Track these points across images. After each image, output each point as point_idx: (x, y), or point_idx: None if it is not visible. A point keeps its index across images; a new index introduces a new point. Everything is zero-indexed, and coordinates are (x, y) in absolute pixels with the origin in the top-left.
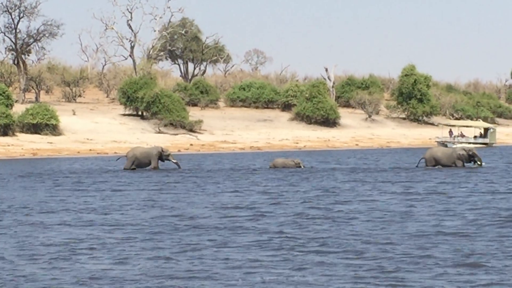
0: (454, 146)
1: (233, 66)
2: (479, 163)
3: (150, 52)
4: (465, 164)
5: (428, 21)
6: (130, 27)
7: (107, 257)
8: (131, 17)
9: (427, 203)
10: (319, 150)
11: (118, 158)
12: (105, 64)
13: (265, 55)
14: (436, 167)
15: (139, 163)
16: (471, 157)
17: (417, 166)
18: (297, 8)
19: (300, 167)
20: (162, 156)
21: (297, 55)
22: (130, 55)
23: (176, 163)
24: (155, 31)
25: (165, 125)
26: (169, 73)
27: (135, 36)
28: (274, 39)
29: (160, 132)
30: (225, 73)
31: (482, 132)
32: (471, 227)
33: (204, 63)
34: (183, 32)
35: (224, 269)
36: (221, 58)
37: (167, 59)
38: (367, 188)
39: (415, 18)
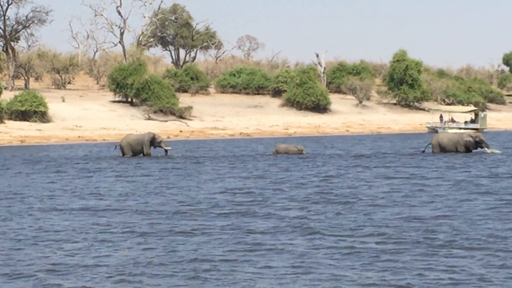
0: (445, 131)
1: (224, 52)
2: (486, 149)
3: (140, 39)
4: (473, 150)
5: (421, 6)
6: (119, 13)
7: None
8: (121, 3)
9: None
10: (310, 136)
11: (116, 146)
12: (96, 51)
13: (258, 41)
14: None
15: (133, 150)
16: (477, 144)
17: (423, 152)
18: None
19: (303, 153)
20: (154, 142)
21: (289, 41)
22: (120, 42)
23: (166, 150)
24: (145, 17)
25: (155, 112)
26: (161, 60)
27: (124, 23)
28: (267, 26)
29: (149, 118)
30: (216, 59)
31: (473, 117)
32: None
33: (195, 50)
34: (173, 18)
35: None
36: (212, 44)
37: (157, 46)
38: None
39: (407, 3)
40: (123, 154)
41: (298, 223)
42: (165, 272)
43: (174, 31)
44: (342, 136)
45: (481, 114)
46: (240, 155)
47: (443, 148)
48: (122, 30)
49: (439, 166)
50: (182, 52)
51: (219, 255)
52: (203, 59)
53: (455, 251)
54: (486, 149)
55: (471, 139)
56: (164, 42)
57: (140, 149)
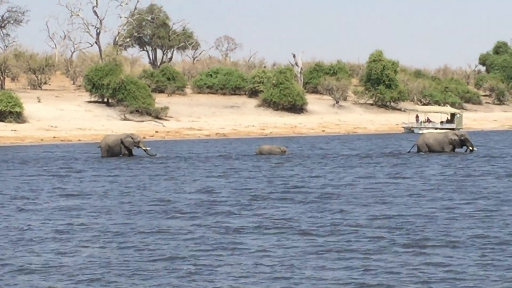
0: (421, 131)
1: (201, 52)
2: (470, 148)
3: (117, 39)
4: (456, 149)
5: (399, 7)
6: (95, 13)
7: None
8: (97, 3)
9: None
10: (286, 137)
11: (99, 146)
12: (74, 51)
13: (235, 42)
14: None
15: (112, 151)
16: (462, 142)
17: (409, 152)
18: None
19: (286, 153)
20: (134, 143)
21: (266, 42)
22: (96, 42)
23: (145, 150)
24: (121, 17)
25: (131, 112)
26: (138, 60)
27: (101, 23)
28: (244, 26)
29: (125, 119)
30: (194, 60)
31: (449, 117)
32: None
33: (172, 50)
34: (149, 18)
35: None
36: (190, 44)
37: (133, 46)
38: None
39: (385, 3)
40: (102, 155)
41: (277, 223)
42: (138, 272)
43: (151, 31)
44: (319, 136)
45: (457, 114)
46: (220, 156)
47: (429, 148)
48: (98, 30)
49: (425, 165)
50: (159, 53)
51: (196, 254)
52: (180, 60)
53: (427, 250)
54: (470, 148)
55: (456, 137)
56: (141, 43)
57: (118, 150)
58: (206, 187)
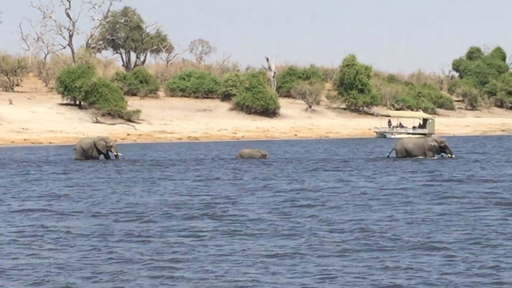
0: (393, 136)
1: (175, 55)
2: (449, 155)
3: (89, 41)
4: (435, 155)
5: (375, 12)
6: (68, 15)
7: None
8: (70, 5)
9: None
10: (257, 141)
11: (75, 148)
12: (48, 54)
13: (210, 45)
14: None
15: (85, 154)
16: (442, 149)
17: (388, 157)
18: None
19: (266, 157)
20: (105, 146)
21: (241, 46)
22: (68, 44)
23: (116, 155)
24: (94, 20)
25: (103, 115)
26: (113, 63)
27: (73, 25)
28: (219, 30)
29: (97, 121)
30: (167, 63)
31: (421, 123)
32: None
33: (146, 53)
34: (122, 21)
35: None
36: (163, 47)
37: (106, 49)
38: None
39: (361, 8)
40: (76, 158)
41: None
42: (97, 275)
43: (125, 34)
44: (290, 140)
45: (429, 120)
46: (198, 159)
47: (408, 153)
48: (71, 33)
49: (404, 170)
50: (133, 56)
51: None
52: (154, 63)
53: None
54: (449, 154)
55: (436, 143)
56: (115, 45)
57: (91, 153)
58: (171, 192)
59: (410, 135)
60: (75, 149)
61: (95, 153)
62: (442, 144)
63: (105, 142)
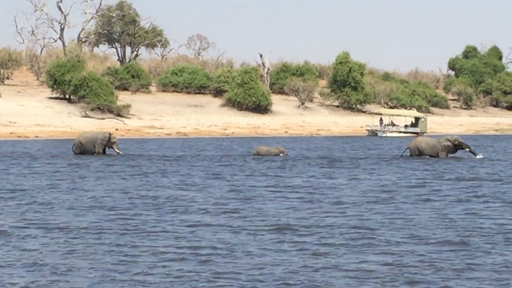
0: (384, 135)
1: (170, 50)
2: (468, 150)
3: (80, 35)
4: (450, 155)
5: (371, 9)
6: (60, 9)
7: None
8: None
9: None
10: (247, 137)
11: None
12: (44, 47)
13: (208, 41)
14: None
15: (84, 148)
16: (457, 147)
17: (401, 156)
18: None
19: (285, 155)
20: (108, 142)
21: (239, 41)
22: (60, 38)
23: (118, 153)
24: (86, 13)
25: (92, 109)
26: (110, 57)
27: (65, 19)
28: (215, 26)
29: (86, 116)
30: (162, 58)
31: (413, 121)
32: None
33: (141, 47)
34: (114, 15)
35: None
36: (159, 42)
37: (99, 43)
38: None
39: (359, 6)
40: (75, 152)
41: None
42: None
43: (120, 28)
44: (281, 137)
45: (422, 118)
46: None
47: (421, 152)
48: (62, 26)
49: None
50: (128, 50)
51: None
52: (149, 58)
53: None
54: (468, 150)
55: (449, 143)
56: (110, 40)
57: (91, 148)
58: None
59: (402, 133)
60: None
61: (98, 148)
62: (456, 142)
63: (109, 138)
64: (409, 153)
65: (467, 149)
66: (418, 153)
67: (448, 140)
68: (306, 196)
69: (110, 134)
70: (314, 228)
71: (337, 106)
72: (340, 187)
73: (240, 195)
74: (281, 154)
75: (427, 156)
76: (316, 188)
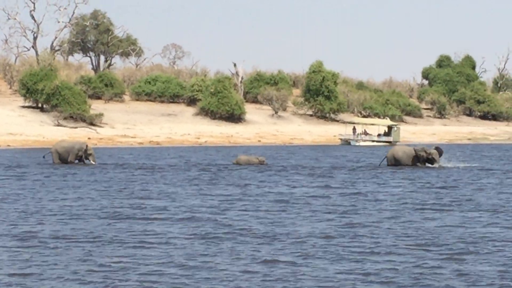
0: (357, 144)
1: (144, 59)
2: (436, 165)
3: (54, 44)
4: (422, 164)
5: (346, 19)
6: (33, 17)
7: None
8: (34, 7)
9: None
10: (220, 146)
11: (44, 155)
12: (18, 56)
13: (183, 50)
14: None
15: (61, 158)
16: (428, 160)
17: (379, 165)
18: (214, 3)
19: (264, 164)
20: (85, 153)
21: (214, 51)
22: (32, 46)
23: (93, 163)
24: (59, 22)
25: (65, 118)
26: (85, 66)
27: (38, 27)
28: (192, 34)
29: (59, 125)
30: (137, 67)
31: (386, 130)
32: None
33: (115, 56)
34: (88, 24)
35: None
36: (133, 51)
37: (78, 52)
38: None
39: (334, 15)
40: (54, 161)
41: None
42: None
43: (94, 37)
44: (254, 146)
45: (394, 127)
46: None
47: (397, 161)
48: (35, 35)
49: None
50: (103, 59)
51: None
52: (123, 67)
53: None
54: (435, 164)
55: (424, 154)
56: (84, 48)
57: (66, 157)
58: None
59: (375, 142)
60: (49, 152)
61: (71, 157)
62: (430, 156)
63: (85, 150)
64: (386, 162)
65: (436, 163)
66: (395, 162)
67: (424, 151)
68: (279, 204)
69: (87, 145)
70: (281, 236)
71: (311, 115)
72: (313, 195)
73: (211, 203)
74: (260, 164)
75: (404, 165)
76: (290, 197)
